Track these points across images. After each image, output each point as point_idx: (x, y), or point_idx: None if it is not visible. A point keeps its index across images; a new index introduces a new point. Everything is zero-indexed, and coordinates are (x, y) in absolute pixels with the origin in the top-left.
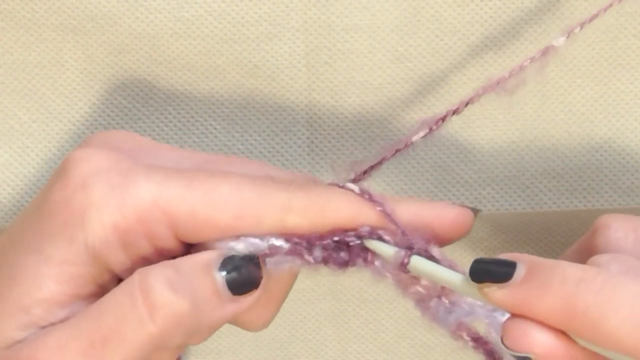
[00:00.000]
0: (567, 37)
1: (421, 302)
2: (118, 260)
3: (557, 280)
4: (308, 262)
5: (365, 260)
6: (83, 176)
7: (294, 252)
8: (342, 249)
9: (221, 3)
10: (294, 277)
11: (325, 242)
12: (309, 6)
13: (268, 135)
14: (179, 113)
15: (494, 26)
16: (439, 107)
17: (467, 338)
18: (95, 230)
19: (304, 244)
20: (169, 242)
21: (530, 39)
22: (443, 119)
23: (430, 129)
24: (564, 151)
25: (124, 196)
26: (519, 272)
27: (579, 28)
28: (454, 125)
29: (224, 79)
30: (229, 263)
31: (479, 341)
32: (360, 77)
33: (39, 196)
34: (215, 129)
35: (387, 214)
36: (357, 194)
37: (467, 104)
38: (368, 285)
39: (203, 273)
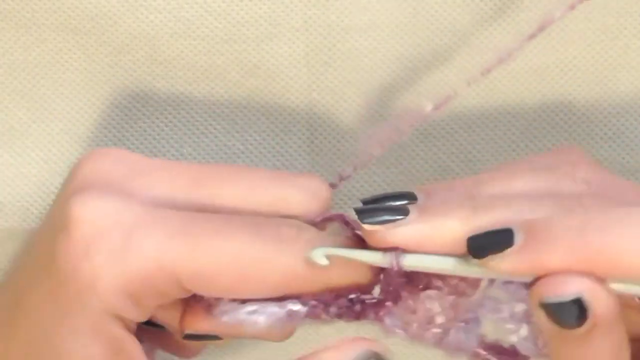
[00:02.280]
0: None
1: (440, 340)
2: (135, 315)
3: (559, 232)
4: (324, 320)
5: (376, 315)
6: (86, 241)
7: (311, 314)
8: (356, 302)
9: (221, 3)
10: None
11: (340, 301)
12: (309, 6)
13: (268, 135)
14: (179, 113)
15: (494, 26)
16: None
17: (488, 354)
18: (106, 297)
19: (321, 305)
20: (181, 293)
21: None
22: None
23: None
24: None
25: (127, 261)
26: (518, 237)
27: None
28: (454, 125)
29: (224, 79)
30: None
31: (503, 352)
32: (360, 77)
33: (42, 250)
34: (215, 129)
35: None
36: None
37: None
38: None
39: None
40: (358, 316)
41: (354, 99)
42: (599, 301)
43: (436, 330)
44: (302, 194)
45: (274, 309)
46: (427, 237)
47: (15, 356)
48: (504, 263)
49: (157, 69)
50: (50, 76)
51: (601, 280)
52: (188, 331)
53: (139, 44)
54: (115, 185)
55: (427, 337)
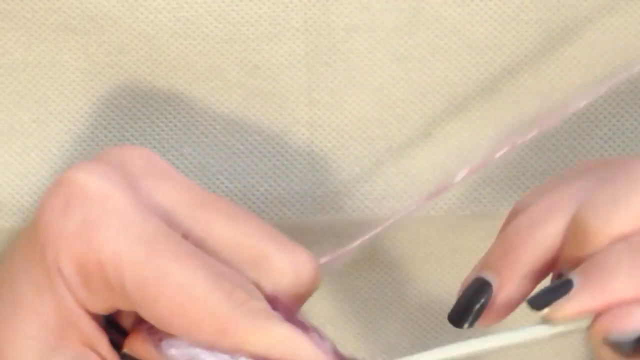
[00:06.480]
0: None
1: None
2: (82, 295)
3: (613, 260)
4: None
5: None
6: (67, 198)
7: None
8: None
9: (221, 3)
10: None
11: None
12: (309, 6)
13: (268, 135)
14: (179, 113)
15: (494, 26)
16: (439, 107)
17: None
18: (64, 261)
19: None
20: (123, 300)
21: (531, 39)
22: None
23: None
24: (564, 151)
25: (91, 237)
26: (578, 280)
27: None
28: (454, 125)
29: (224, 79)
30: None
31: None
32: (360, 77)
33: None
34: (215, 129)
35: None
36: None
37: None
38: (368, 285)
39: None
40: None
41: (354, 99)
42: None
43: None
44: (287, 263)
45: (224, 357)
46: None
47: None
48: (566, 307)
49: (157, 69)
50: (50, 76)
51: None
52: (125, 350)
53: (139, 44)
54: (124, 174)
55: None
